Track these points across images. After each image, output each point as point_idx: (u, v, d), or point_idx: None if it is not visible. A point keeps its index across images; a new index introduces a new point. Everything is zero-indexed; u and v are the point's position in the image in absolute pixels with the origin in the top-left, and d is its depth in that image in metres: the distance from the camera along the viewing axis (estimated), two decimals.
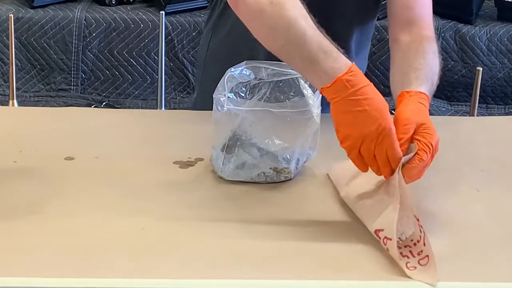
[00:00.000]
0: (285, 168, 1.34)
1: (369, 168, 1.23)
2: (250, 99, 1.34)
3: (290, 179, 1.36)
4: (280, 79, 1.35)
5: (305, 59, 1.24)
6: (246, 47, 1.54)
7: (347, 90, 1.20)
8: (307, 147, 1.35)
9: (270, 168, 1.34)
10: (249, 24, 1.31)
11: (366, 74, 1.85)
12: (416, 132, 1.24)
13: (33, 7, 3.09)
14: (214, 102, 1.31)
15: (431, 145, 1.23)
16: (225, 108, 1.30)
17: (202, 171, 1.38)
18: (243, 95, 1.36)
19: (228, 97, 1.31)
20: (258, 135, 1.33)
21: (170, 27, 3.06)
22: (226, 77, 1.32)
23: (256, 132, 1.33)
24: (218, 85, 1.32)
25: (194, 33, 3.08)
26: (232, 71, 1.33)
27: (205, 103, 1.49)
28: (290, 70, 1.33)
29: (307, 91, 1.33)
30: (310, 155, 1.38)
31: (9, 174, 1.35)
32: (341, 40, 1.30)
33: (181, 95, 3.14)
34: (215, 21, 1.71)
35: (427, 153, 1.22)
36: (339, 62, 1.22)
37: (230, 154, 1.33)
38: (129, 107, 3.04)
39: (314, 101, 1.32)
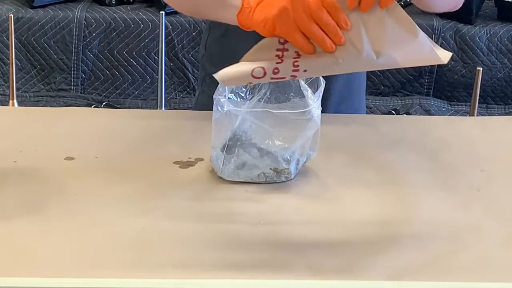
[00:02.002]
0: (285, 168, 1.34)
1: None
2: (250, 99, 1.34)
3: (290, 180, 1.36)
4: None
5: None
6: (242, 47, 1.54)
7: None
8: (307, 148, 1.35)
9: (270, 168, 1.34)
10: None
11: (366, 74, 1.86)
12: None
13: (33, 7, 3.09)
14: (214, 102, 1.31)
15: None
16: (225, 109, 1.30)
17: (202, 171, 1.38)
18: (243, 95, 1.36)
19: (228, 98, 1.31)
20: (258, 136, 1.33)
21: (170, 27, 3.06)
22: None
23: (256, 133, 1.33)
24: (218, 85, 1.32)
25: (194, 33, 3.08)
26: None
27: (206, 102, 1.49)
28: None
29: (307, 91, 1.33)
30: (310, 156, 1.38)
31: (9, 174, 1.35)
32: None
33: (181, 95, 3.14)
34: (211, 21, 1.71)
35: None
36: None
37: (230, 155, 1.33)
38: (129, 107, 3.04)
39: (314, 101, 1.31)
